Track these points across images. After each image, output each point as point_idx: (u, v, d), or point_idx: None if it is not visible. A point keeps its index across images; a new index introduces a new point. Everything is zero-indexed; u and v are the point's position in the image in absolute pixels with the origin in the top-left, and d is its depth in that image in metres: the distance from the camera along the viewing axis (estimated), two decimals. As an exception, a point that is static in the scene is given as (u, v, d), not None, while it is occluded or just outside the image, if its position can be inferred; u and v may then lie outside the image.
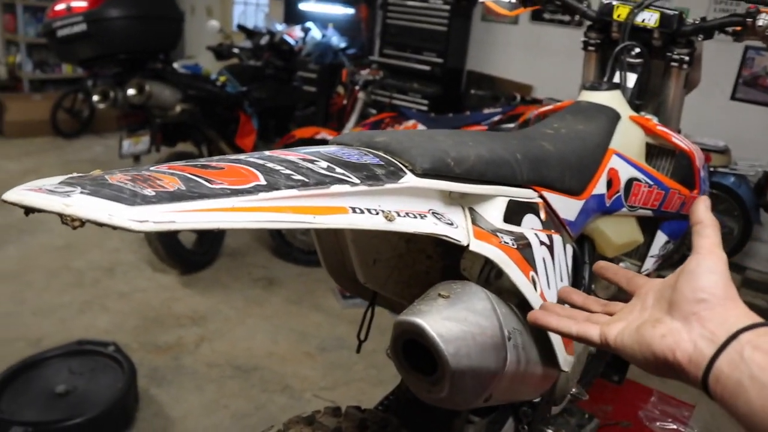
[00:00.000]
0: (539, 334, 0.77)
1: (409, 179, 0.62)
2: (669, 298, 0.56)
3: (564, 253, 0.89)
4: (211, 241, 3.44)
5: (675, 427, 2.10)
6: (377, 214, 0.57)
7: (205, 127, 3.49)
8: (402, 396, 1.07)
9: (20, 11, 6.09)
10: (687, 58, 1.47)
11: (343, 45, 5.29)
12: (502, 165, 0.77)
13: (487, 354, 0.61)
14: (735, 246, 4.27)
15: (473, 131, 0.86)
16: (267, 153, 0.60)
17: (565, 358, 0.82)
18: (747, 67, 4.45)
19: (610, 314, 0.62)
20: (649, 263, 1.43)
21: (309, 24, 5.47)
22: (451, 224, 0.64)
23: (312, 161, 0.59)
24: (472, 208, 0.73)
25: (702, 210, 0.58)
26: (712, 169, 4.04)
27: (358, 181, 0.57)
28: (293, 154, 0.60)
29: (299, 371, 2.52)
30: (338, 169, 0.58)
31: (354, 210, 0.55)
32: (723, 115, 4.46)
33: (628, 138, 1.30)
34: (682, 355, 0.52)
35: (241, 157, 0.59)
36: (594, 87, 1.39)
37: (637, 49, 1.46)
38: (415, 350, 0.61)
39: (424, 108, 4.82)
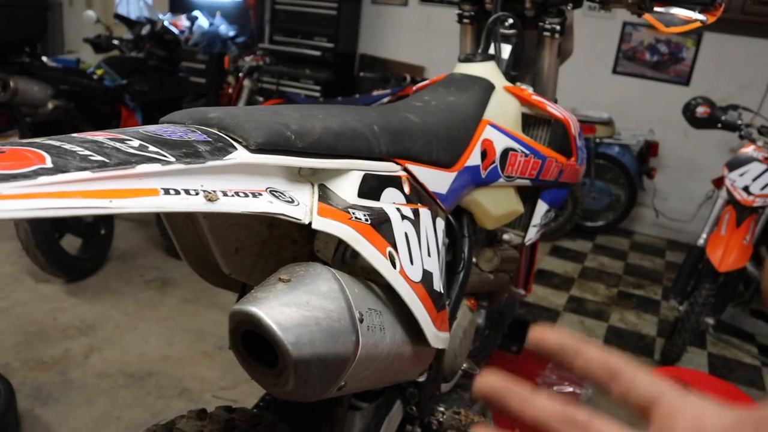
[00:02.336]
0: (404, 313, 0.74)
1: (239, 155, 0.56)
2: None
3: (434, 228, 0.86)
4: (97, 245, 3.23)
5: (572, 389, 2.17)
6: (197, 194, 0.50)
7: (82, 124, 3.26)
8: (283, 390, 1.02)
9: None
10: (558, 28, 1.49)
11: (232, 33, 5.12)
12: (355, 138, 0.73)
13: (334, 339, 0.57)
14: (622, 212, 4.49)
15: (329, 105, 0.81)
16: (74, 135, 0.53)
17: (435, 336, 0.79)
18: (626, 41, 4.66)
19: None
20: (532, 233, 1.44)
21: (195, 13, 5.26)
22: (292, 202, 0.59)
23: (122, 140, 0.51)
24: (323, 184, 0.68)
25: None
26: (598, 140, 4.21)
27: (173, 160, 0.50)
28: (102, 134, 0.53)
29: (197, 372, 2.41)
30: (152, 148, 0.51)
31: (167, 191, 0.48)
32: (606, 88, 4.66)
33: (503, 108, 1.29)
34: None
35: (37, 139, 0.51)
36: (468, 59, 1.38)
37: (510, 20, 1.46)
38: (256, 341, 0.56)
39: (317, 94, 4.74)
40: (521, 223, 1.47)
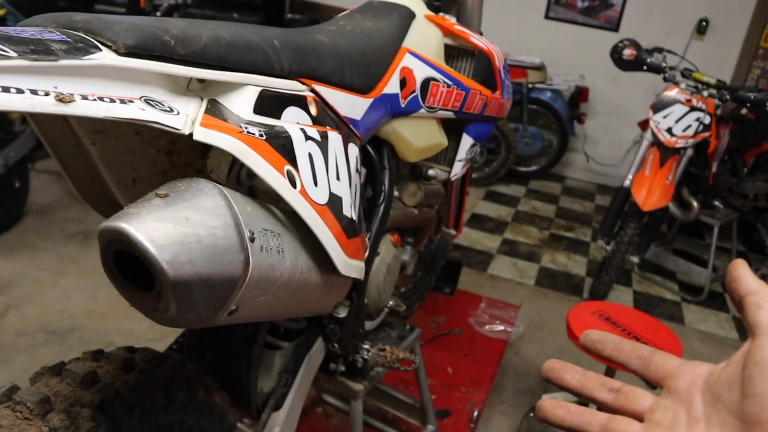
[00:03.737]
0: (311, 239, 0.69)
1: (103, 57, 0.49)
2: (737, 406, 0.38)
3: (345, 152, 0.81)
4: (12, 199, 3.05)
5: (502, 328, 2.21)
6: (46, 95, 0.44)
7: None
8: (196, 332, 0.97)
9: None
10: (482, -44, 1.44)
11: (153, -26, 4.83)
12: (250, 51, 0.67)
13: (219, 258, 0.52)
14: (555, 157, 4.56)
15: (226, 21, 0.74)
16: None
17: (345, 263, 0.76)
18: (558, -14, 4.64)
19: (635, 415, 0.44)
20: (458, 167, 1.42)
21: (112, -49, 4.91)
22: (171, 111, 0.53)
23: None
24: (214, 99, 0.62)
25: (747, 275, 0.42)
26: (530, 86, 4.22)
27: (14, 55, 0.43)
28: None
29: (123, 326, 2.33)
30: (-9, 43, 0.44)
31: (6, 90, 0.42)
32: (538, 33, 4.66)
33: (424, 37, 1.24)
34: None
35: None
36: (388, -14, 1.31)
37: (433, -52, 1.40)
38: (133, 263, 0.50)
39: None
40: (447, 158, 1.44)
